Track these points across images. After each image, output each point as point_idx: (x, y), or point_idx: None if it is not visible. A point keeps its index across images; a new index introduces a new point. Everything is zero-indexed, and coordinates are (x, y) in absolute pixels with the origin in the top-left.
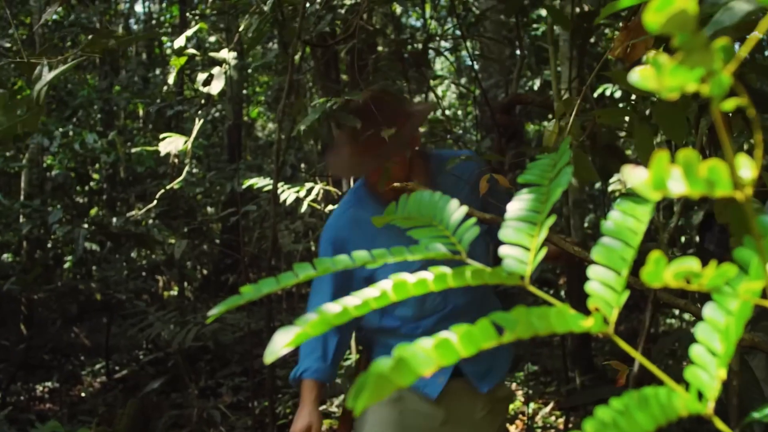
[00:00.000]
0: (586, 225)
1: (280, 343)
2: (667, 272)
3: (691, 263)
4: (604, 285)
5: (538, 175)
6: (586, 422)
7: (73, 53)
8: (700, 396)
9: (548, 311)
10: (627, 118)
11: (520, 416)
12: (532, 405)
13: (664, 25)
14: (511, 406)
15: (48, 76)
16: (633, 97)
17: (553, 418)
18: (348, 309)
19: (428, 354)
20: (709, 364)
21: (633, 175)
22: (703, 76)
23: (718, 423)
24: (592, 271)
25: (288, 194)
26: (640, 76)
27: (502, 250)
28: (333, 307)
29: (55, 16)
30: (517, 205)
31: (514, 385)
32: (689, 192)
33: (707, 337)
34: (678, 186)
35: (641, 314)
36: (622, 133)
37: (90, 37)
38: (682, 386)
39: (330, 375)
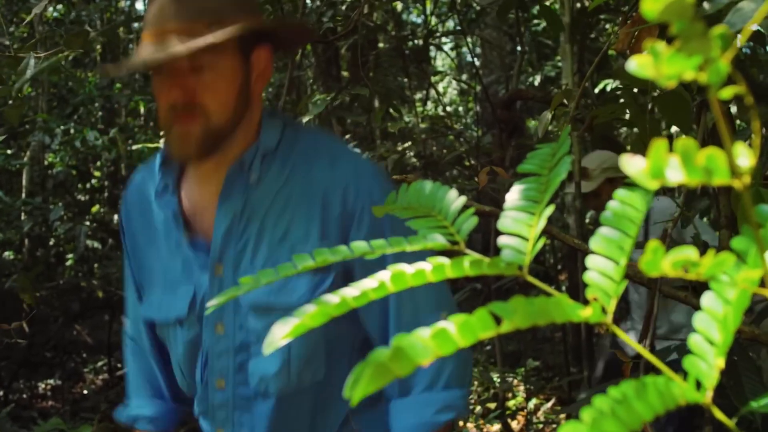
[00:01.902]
0: (587, 220)
1: (279, 335)
2: (665, 261)
3: (689, 252)
4: (603, 275)
5: (538, 164)
6: (583, 411)
7: (57, 50)
8: (699, 385)
9: (546, 301)
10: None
11: (522, 412)
12: (533, 400)
13: (662, 12)
14: (513, 402)
15: (30, 71)
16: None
17: (554, 414)
18: (346, 300)
19: (426, 344)
20: (707, 353)
21: (631, 164)
22: (700, 64)
23: (717, 412)
24: (590, 260)
25: None
26: (638, 64)
27: (501, 240)
28: (332, 298)
29: (56, 14)
30: (516, 195)
31: (515, 381)
32: (687, 180)
33: (706, 327)
34: (676, 174)
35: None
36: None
37: (70, 33)
38: (681, 375)
39: (173, 415)
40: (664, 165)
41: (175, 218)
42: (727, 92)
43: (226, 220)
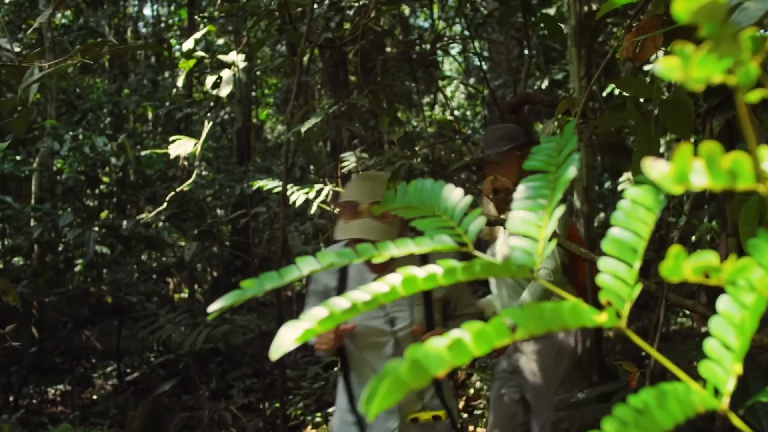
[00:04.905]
0: (596, 225)
1: (287, 339)
2: (686, 266)
3: (710, 257)
4: (616, 278)
5: (544, 161)
6: (605, 421)
7: (65, 59)
8: (716, 392)
9: (561, 306)
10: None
11: None
12: None
13: (694, 14)
14: None
15: (34, 77)
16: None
17: None
18: (357, 304)
19: (441, 354)
20: (723, 359)
21: (655, 168)
22: (729, 66)
23: (734, 419)
24: (602, 263)
25: (297, 196)
26: (665, 67)
27: (511, 242)
28: (341, 302)
29: (64, 20)
30: (523, 193)
31: None
32: (711, 185)
33: (722, 331)
34: (700, 179)
35: (652, 313)
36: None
37: (89, 42)
38: (699, 382)
39: None
40: (689, 169)
41: None
42: (755, 95)
43: None
